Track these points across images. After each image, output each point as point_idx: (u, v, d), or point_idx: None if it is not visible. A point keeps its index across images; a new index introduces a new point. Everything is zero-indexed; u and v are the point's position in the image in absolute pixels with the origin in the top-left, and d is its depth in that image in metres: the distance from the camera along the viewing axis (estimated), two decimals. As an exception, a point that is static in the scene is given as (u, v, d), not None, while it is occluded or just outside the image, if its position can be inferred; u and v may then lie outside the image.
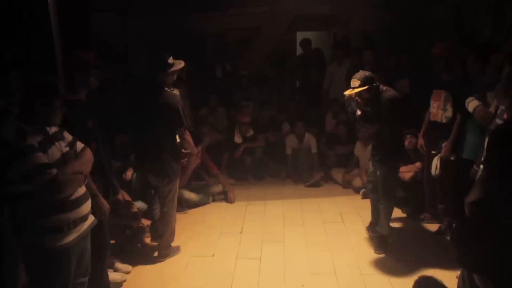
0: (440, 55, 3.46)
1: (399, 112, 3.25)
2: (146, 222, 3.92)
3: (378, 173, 3.48)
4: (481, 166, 2.58)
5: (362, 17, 6.57)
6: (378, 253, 3.52)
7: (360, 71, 3.32)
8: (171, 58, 3.23)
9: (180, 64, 3.27)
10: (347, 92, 3.31)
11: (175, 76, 3.34)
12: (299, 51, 7.46)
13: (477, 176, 2.94)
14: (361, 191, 4.80)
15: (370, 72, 3.31)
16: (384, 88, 3.33)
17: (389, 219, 3.60)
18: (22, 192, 1.97)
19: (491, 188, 1.73)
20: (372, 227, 3.76)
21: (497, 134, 1.83)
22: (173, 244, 3.58)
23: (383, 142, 3.41)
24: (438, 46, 3.50)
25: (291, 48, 7.53)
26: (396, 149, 3.44)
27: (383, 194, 3.50)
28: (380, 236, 3.61)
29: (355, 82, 3.25)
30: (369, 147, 4.86)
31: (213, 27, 6.94)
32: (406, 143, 4.36)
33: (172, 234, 3.52)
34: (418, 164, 4.18)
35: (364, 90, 3.22)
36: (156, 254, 3.56)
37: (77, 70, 2.59)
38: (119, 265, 3.28)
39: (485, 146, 1.95)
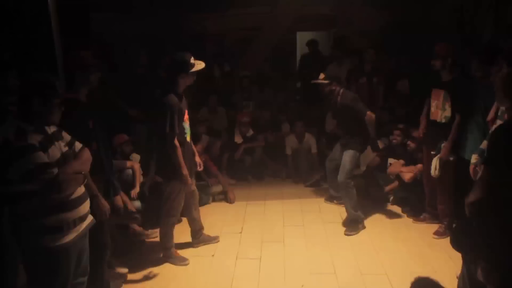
0: (442, 54, 3.46)
1: (354, 111, 3.88)
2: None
3: (343, 156, 4.02)
4: (482, 167, 2.58)
5: (362, 17, 6.57)
6: (347, 235, 3.87)
7: (332, 68, 4.12)
8: (192, 58, 3.14)
9: (200, 65, 3.18)
10: (313, 81, 4.07)
11: (192, 78, 3.22)
12: (299, 51, 7.46)
13: (478, 177, 2.95)
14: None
15: (336, 73, 4.11)
16: (342, 91, 3.98)
17: (353, 204, 3.96)
18: (22, 191, 1.96)
19: (491, 188, 1.73)
20: (330, 184, 4.53)
21: (497, 134, 1.83)
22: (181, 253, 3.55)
23: (348, 132, 4.08)
24: (439, 45, 3.51)
25: (291, 48, 7.52)
26: (361, 140, 4.00)
27: (342, 177, 3.94)
28: (351, 219, 3.98)
29: (321, 75, 4.00)
30: (370, 147, 4.89)
31: (213, 27, 6.93)
32: (392, 139, 4.69)
33: (166, 236, 3.42)
34: (419, 166, 4.18)
35: (324, 83, 3.95)
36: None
37: (77, 69, 2.59)
38: (116, 265, 3.26)
39: (486, 147, 1.95)
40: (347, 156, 3.96)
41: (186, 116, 3.30)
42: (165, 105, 3.09)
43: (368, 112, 3.85)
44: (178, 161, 3.14)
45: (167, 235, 3.42)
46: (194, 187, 3.59)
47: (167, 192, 3.31)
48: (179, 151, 3.14)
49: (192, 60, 3.14)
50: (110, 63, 4.92)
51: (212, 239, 3.80)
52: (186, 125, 3.32)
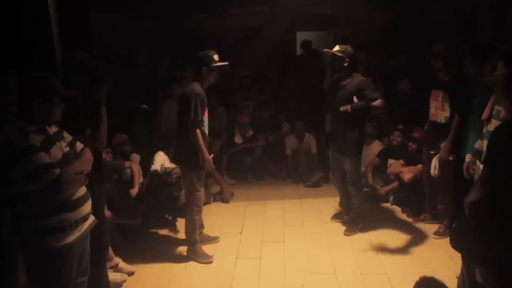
0: (440, 53, 3.47)
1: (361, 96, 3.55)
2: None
3: (345, 165, 3.80)
4: (481, 166, 2.58)
5: (362, 17, 6.57)
6: (346, 235, 3.87)
7: (348, 45, 3.66)
8: (216, 55, 3.30)
9: (224, 62, 3.34)
10: (325, 50, 3.75)
11: (216, 75, 3.36)
12: (299, 51, 7.45)
13: (472, 176, 2.97)
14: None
15: (353, 51, 3.63)
16: (356, 75, 3.66)
17: (361, 206, 3.94)
18: (24, 192, 1.97)
19: (491, 188, 1.73)
20: (342, 207, 4.18)
21: (497, 134, 1.82)
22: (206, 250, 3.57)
23: (346, 134, 3.68)
24: (438, 45, 3.51)
25: (291, 48, 7.52)
26: (358, 141, 3.73)
27: (352, 185, 3.83)
28: (351, 220, 3.98)
29: (337, 46, 3.64)
30: (370, 147, 4.90)
31: (213, 27, 6.93)
32: (393, 139, 4.67)
33: (190, 231, 3.46)
34: (419, 166, 4.18)
35: (337, 55, 3.57)
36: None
37: (73, 70, 2.59)
38: (122, 265, 3.27)
39: (485, 146, 1.95)
40: (350, 166, 3.76)
41: (206, 112, 3.39)
42: (190, 93, 3.21)
43: (380, 100, 3.53)
44: (199, 146, 3.24)
45: (193, 227, 3.45)
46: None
47: (188, 183, 3.38)
48: (200, 136, 3.24)
49: (216, 57, 3.29)
50: (110, 63, 4.91)
51: (212, 239, 3.81)
52: (206, 119, 3.40)
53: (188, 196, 3.45)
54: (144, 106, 4.69)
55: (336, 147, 3.86)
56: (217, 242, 3.80)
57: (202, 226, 3.77)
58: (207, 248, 3.67)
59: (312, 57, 6.68)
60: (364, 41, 5.83)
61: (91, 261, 2.39)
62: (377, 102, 3.51)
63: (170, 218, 4.22)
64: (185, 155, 3.33)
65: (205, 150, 3.28)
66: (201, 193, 3.46)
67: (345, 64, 3.60)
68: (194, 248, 3.49)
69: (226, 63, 3.37)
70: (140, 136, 4.83)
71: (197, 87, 3.24)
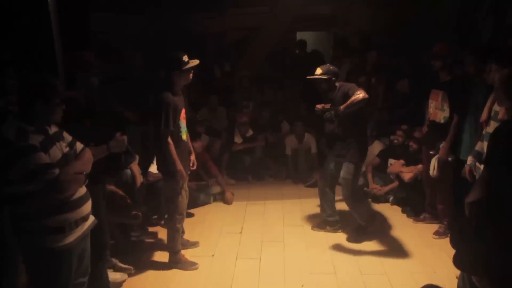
0: (439, 54, 3.47)
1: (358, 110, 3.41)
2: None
3: (344, 173, 3.63)
4: (482, 167, 2.59)
5: (362, 17, 6.57)
6: (351, 241, 3.72)
7: (327, 64, 3.63)
8: (185, 56, 3.12)
9: (194, 62, 3.14)
10: (308, 77, 3.63)
11: (190, 75, 3.18)
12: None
13: (473, 178, 2.96)
14: (361, 191, 4.79)
15: (335, 67, 3.61)
16: (340, 84, 3.57)
17: (364, 211, 3.80)
18: (24, 192, 1.96)
19: (491, 188, 1.73)
20: (323, 211, 3.96)
21: (497, 134, 1.83)
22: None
23: (348, 140, 3.61)
24: (438, 45, 3.51)
25: (291, 48, 7.53)
26: (361, 147, 3.64)
27: (350, 193, 3.63)
28: (358, 225, 3.79)
29: (318, 70, 3.56)
30: (370, 147, 4.90)
31: (213, 27, 6.94)
32: (394, 138, 4.64)
33: (172, 241, 3.33)
34: (420, 166, 4.18)
35: (323, 78, 3.53)
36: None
37: (78, 70, 2.59)
38: (120, 265, 3.27)
39: (486, 147, 1.95)
40: (348, 170, 3.60)
41: (183, 115, 3.26)
42: (160, 102, 3.07)
43: (360, 92, 3.33)
44: (172, 158, 3.12)
45: (175, 237, 3.33)
46: (186, 188, 3.50)
47: (169, 191, 3.26)
48: (172, 147, 3.11)
49: (185, 58, 3.11)
50: (110, 64, 4.91)
51: (191, 244, 3.71)
52: (182, 123, 3.27)
53: (169, 204, 3.29)
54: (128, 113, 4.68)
55: (337, 155, 3.73)
56: (197, 247, 3.71)
57: (183, 232, 3.65)
58: (207, 248, 3.68)
59: (313, 57, 6.68)
60: (371, 41, 5.82)
61: (91, 261, 2.39)
62: (345, 104, 3.35)
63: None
64: (163, 162, 3.20)
65: (177, 160, 3.13)
66: (183, 200, 3.31)
67: (334, 84, 3.56)
68: (177, 258, 3.36)
69: (197, 62, 3.16)
70: (134, 137, 4.80)
71: (166, 96, 3.08)
